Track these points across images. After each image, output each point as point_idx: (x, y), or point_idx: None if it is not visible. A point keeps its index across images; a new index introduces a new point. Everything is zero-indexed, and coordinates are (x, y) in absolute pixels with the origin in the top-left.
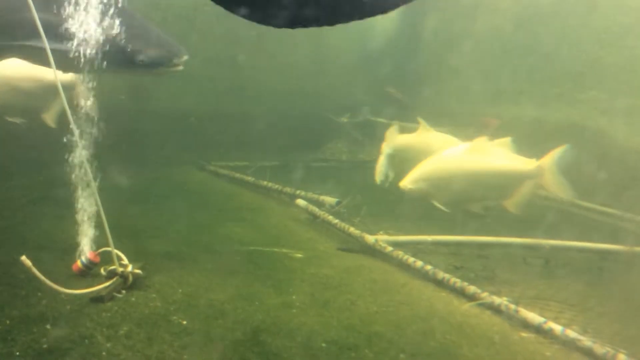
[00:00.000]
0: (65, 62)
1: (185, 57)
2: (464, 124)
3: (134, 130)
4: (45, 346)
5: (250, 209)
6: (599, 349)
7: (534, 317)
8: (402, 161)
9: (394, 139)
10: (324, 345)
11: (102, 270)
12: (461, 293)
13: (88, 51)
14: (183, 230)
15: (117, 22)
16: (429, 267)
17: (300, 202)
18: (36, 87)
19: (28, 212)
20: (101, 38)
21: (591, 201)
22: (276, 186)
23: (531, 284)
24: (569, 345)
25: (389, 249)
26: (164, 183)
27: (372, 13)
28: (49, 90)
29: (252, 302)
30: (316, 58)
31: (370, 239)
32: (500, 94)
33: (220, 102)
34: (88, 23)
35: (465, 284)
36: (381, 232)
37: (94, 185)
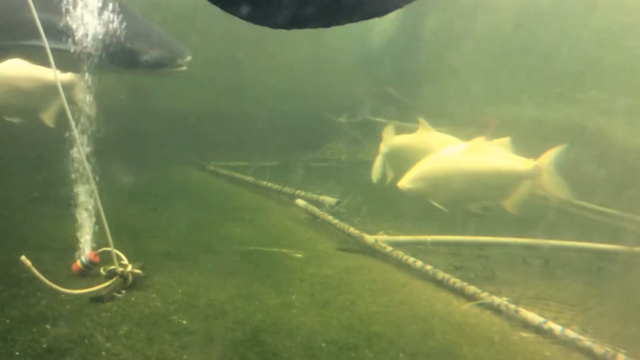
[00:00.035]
0: (68, 62)
1: (189, 58)
2: (463, 123)
3: (134, 130)
4: (45, 346)
5: (250, 208)
6: (599, 349)
7: (533, 317)
8: (401, 161)
9: (390, 139)
10: (323, 345)
11: (101, 270)
12: (461, 293)
13: (92, 52)
14: (183, 230)
15: (121, 23)
16: (428, 267)
17: (300, 202)
18: (34, 87)
19: (28, 212)
20: (105, 39)
21: (591, 201)
22: (276, 186)
23: (531, 284)
24: (569, 345)
25: (389, 249)
26: (164, 183)
27: (373, 14)
28: (47, 90)
29: (252, 302)
30: (316, 58)
31: (370, 239)
32: (500, 93)
33: (220, 102)
34: (92, 24)
35: (465, 284)
36: (381, 232)
37: (94, 185)
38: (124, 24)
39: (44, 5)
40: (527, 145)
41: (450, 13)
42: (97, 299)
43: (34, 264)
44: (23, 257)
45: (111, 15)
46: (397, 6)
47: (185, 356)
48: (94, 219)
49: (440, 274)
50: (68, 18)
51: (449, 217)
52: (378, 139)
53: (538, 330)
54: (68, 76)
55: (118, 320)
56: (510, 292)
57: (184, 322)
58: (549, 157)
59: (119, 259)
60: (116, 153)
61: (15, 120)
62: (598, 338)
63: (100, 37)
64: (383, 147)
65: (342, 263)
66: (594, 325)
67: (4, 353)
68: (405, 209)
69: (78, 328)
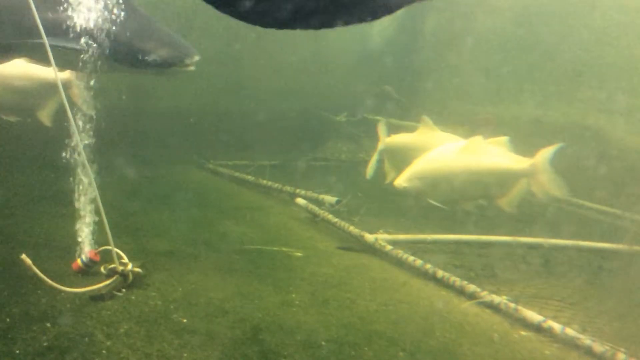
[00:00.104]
0: (75, 61)
1: (197, 58)
2: (463, 122)
3: (134, 129)
4: (45, 344)
5: (250, 207)
6: (598, 347)
7: (533, 315)
8: (401, 160)
9: (385, 135)
10: (323, 343)
11: (102, 269)
12: (461, 292)
13: (100, 51)
14: (183, 229)
15: (129, 22)
16: (428, 265)
17: (300, 201)
18: (31, 85)
19: (28, 211)
20: (113, 38)
21: (590, 200)
22: (276, 185)
23: (531, 283)
24: (569, 343)
25: (389, 247)
26: (164, 182)
27: (375, 15)
28: (43, 88)
29: (252, 300)
30: (316, 57)
31: (370, 237)
32: (500, 93)
33: (220, 101)
34: (100, 23)
35: (465, 282)
36: (381, 231)
37: (94, 183)
38: (132, 23)
39: (51, 4)
40: (527, 144)
41: (450, 13)
42: (97, 297)
43: (34, 263)
44: (23, 256)
45: (119, 15)
46: (399, 5)
47: (185, 354)
48: (94, 218)
49: (440, 273)
50: (76, 17)
51: (448, 216)
52: (377, 137)
53: (538, 328)
54: (66, 74)
55: (118, 319)
56: (510, 291)
57: (184, 320)
58: (544, 155)
59: (119, 257)
60: (116, 152)
61: (12, 118)
62: (598, 336)
63: (108, 36)
64: (380, 144)
65: (342, 262)
66: (594, 324)
67: (4, 351)
68: (405, 208)
69: (78, 326)
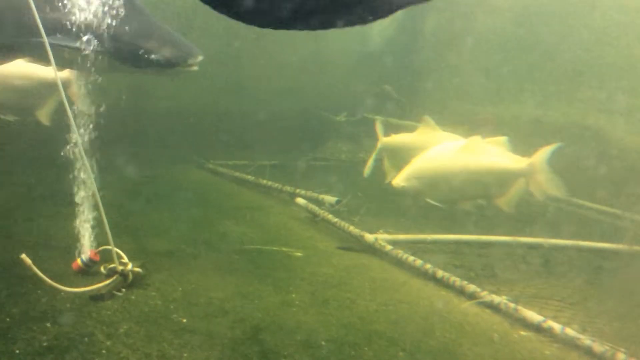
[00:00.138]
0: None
1: (200, 58)
2: (462, 122)
3: (134, 129)
4: (45, 344)
5: (249, 207)
6: (598, 347)
7: (533, 315)
8: (402, 160)
9: (382, 136)
10: (323, 343)
11: (102, 269)
12: (461, 292)
13: (104, 50)
14: (183, 229)
15: (132, 21)
16: (428, 265)
17: (300, 200)
18: (29, 85)
19: (28, 210)
20: (117, 37)
21: (590, 200)
22: (276, 185)
23: (531, 283)
24: (569, 343)
25: (389, 247)
26: (163, 181)
27: (376, 15)
28: (42, 88)
29: (252, 300)
30: (316, 57)
31: (370, 237)
32: (500, 92)
33: (220, 101)
34: (103, 22)
35: (465, 282)
36: (381, 231)
37: (94, 183)
38: (136, 23)
39: (55, 3)
40: (527, 144)
41: (450, 13)
42: (97, 297)
43: (34, 262)
44: (23, 256)
45: (122, 14)
46: (400, 6)
47: (185, 354)
48: (94, 218)
49: (440, 273)
50: (80, 16)
51: (448, 216)
52: (377, 137)
53: (538, 328)
54: (64, 74)
55: (118, 319)
56: (510, 291)
57: (184, 320)
58: (542, 155)
59: (119, 257)
60: (116, 151)
61: (11, 118)
62: (598, 337)
63: (111, 35)
64: (378, 144)
65: (342, 262)
66: (594, 324)
67: (4, 351)
68: (405, 208)
69: (78, 326)
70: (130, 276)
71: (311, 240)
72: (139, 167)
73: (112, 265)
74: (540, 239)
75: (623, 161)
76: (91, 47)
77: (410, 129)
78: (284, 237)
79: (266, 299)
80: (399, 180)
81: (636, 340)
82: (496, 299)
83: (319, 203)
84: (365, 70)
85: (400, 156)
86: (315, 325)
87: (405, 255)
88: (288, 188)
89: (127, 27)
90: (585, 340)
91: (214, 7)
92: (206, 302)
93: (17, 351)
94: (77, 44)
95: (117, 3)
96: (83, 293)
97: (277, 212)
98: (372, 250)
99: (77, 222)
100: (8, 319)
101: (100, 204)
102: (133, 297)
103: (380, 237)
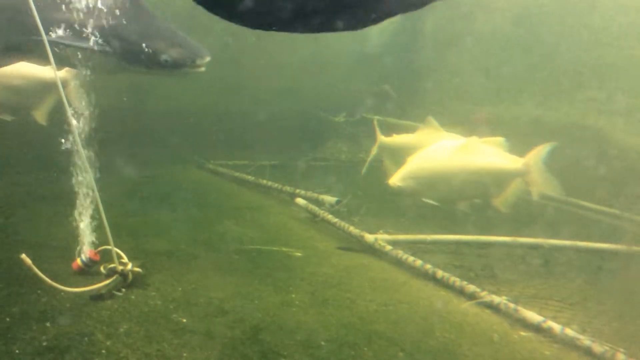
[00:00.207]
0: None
1: (208, 59)
2: (459, 121)
3: (134, 129)
4: (45, 344)
5: (249, 207)
6: (598, 347)
7: (533, 316)
8: (400, 159)
9: (380, 135)
10: (323, 343)
11: (102, 269)
12: (460, 292)
13: (111, 50)
14: (182, 229)
15: (139, 22)
16: (428, 266)
17: (300, 201)
18: (26, 84)
19: (28, 210)
20: (124, 38)
21: (590, 200)
22: (276, 185)
23: (530, 283)
24: (568, 344)
25: (389, 247)
26: (163, 181)
27: (378, 19)
28: (38, 87)
29: (252, 300)
30: (316, 57)
31: (370, 237)
32: (500, 93)
33: (220, 101)
34: (110, 22)
35: (465, 282)
36: (381, 231)
37: (94, 183)
38: (143, 23)
39: (62, 3)
40: (527, 144)
41: (450, 12)
42: (97, 297)
43: (34, 262)
44: (23, 255)
45: (130, 14)
46: (416, 6)
47: (184, 354)
48: (94, 217)
49: (440, 273)
50: (87, 16)
51: (448, 216)
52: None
53: (537, 329)
54: (61, 73)
55: (118, 319)
56: (510, 291)
57: (184, 320)
58: (537, 154)
59: (119, 257)
60: (116, 151)
61: (8, 117)
62: (597, 337)
63: (119, 36)
64: (377, 143)
65: (342, 262)
66: (593, 324)
67: (4, 351)
68: (405, 208)
69: (78, 326)
70: (130, 276)
71: (311, 240)
72: (139, 167)
73: (112, 265)
74: (540, 240)
75: (623, 161)
76: (102, 47)
77: (410, 129)
78: (283, 237)
79: (266, 299)
80: (395, 180)
81: (636, 341)
82: (496, 299)
83: (319, 203)
84: (365, 71)
85: (401, 156)
86: (315, 325)
87: (405, 256)
88: (288, 188)
89: (134, 28)
90: (585, 340)
91: (209, 9)
92: (206, 302)
93: (17, 351)
94: (90, 44)
95: (124, 3)
96: (83, 293)
97: (277, 212)
98: (372, 250)
99: (77, 222)
100: (8, 319)
101: (100, 203)
102: (133, 297)
103: (380, 238)
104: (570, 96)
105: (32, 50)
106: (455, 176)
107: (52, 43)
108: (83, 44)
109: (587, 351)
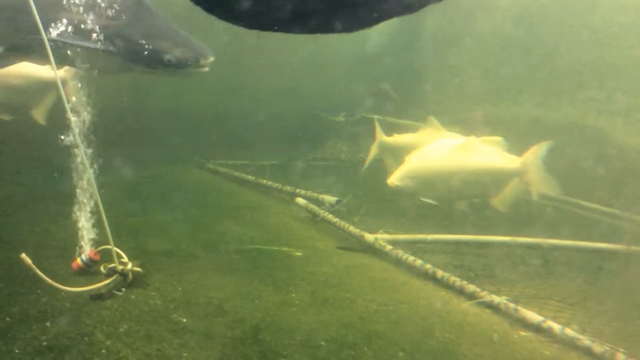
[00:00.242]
0: (92, 60)
1: (212, 59)
2: (461, 121)
3: (134, 129)
4: (45, 344)
5: (249, 207)
6: (598, 347)
7: (533, 315)
8: (401, 159)
9: (380, 135)
10: (323, 343)
11: (102, 268)
12: (460, 292)
13: (116, 51)
14: (182, 229)
15: (143, 22)
16: (428, 265)
17: (300, 200)
18: (25, 83)
19: (28, 210)
20: (128, 38)
21: (590, 200)
22: (276, 185)
23: (530, 283)
24: (568, 344)
25: (389, 247)
26: (163, 181)
27: (375, 22)
28: (37, 87)
29: (252, 300)
30: (316, 57)
31: (370, 237)
32: (500, 92)
33: (220, 101)
34: (114, 22)
35: (465, 282)
36: (381, 231)
37: (94, 183)
38: (147, 23)
39: (69, 4)
40: (527, 144)
41: (450, 12)
42: (97, 296)
43: (34, 262)
44: (23, 255)
45: (134, 14)
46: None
47: (184, 354)
48: (94, 217)
49: (440, 273)
50: (94, 17)
51: (448, 216)
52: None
53: (537, 329)
54: (60, 72)
55: (118, 318)
56: (510, 291)
57: (184, 320)
58: (535, 154)
59: (119, 256)
60: (116, 151)
61: (7, 117)
62: (597, 337)
63: (124, 36)
64: (376, 142)
65: (342, 262)
66: (593, 324)
67: (4, 350)
68: (405, 208)
69: (78, 326)
70: (130, 276)
71: (311, 240)
72: (139, 166)
73: (112, 265)
74: (540, 239)
75: (622, 161)
76: (107, 47)
77: (411, 129)
78: (283, 237)
79: (266, 298)
80: (394, 179)
81: (635, 341)
82: (496, 299)
83: (319, 203)
84: (365, 71)
85: (402, 156)
86: (315, 325)
87: (405, 255)
88: (288, 188)
89: (138, 28)
90: (585, 340)
91: (207, 10)
92: (206, 302)
93: (17, 351)
94: (94, 44)
95: (129, 4)
96: (83, 293)
97: (277, 212)
98: (372, 250)
99: (78, 221)
100: (8, 319)
101: (100, 203)
102: (133, 297)
103: (380, 237)
104: (570, 96)
105: (35, 50)
106: (453, 176)
107: (57, 43)
108: (87, 44)
109: (587, 351)
